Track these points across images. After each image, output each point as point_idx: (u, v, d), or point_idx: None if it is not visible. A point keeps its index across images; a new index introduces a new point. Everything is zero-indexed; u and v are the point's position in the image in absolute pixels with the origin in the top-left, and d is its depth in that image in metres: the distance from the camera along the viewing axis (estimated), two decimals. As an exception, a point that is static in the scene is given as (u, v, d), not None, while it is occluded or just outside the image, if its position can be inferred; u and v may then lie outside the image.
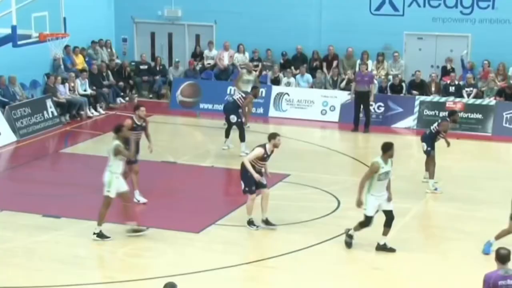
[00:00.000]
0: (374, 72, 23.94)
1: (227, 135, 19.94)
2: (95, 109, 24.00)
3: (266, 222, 14.57)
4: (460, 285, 12.35)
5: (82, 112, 23.42)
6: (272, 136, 14.36)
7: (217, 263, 13.14)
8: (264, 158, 14.25)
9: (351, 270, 13.14)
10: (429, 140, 16.91)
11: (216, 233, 14.59)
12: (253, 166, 14.13)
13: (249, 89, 20.75)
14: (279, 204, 16.27)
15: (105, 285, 12.29)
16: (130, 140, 15.20)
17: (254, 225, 14.51)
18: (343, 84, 23.98)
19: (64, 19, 18.56)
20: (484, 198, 16.40)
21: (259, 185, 14.33)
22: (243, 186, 14.32)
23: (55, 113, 22.55)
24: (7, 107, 21.40)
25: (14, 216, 15.40)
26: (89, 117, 23.48)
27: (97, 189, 16.81)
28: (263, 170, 14.41)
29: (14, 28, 17.31)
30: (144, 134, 16.24)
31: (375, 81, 22.93)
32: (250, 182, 14.20)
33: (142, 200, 16.02)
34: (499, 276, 9.03)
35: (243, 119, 19.53)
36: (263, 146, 14.27)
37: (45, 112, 22.25)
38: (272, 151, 14.36)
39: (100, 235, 14.02)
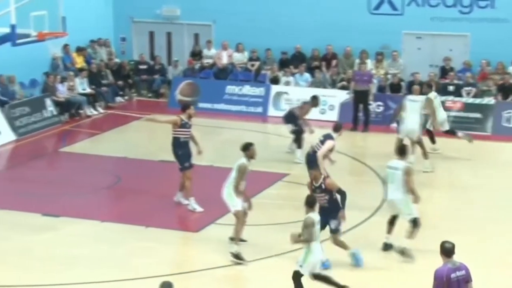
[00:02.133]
0: (373, 71, 23.94)
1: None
2: (94, 108, 24.00)
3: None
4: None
5: (81, 111, 23.42)
6: (340, 127, 15.95)
7: (215, 262, 13.15)
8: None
9: (348, 269, 13.13)
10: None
11: (215, 232, 14.59)
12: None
13: None
14: (277, 203, 16.31)
15: (102, 284, 12.30)
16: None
17: None
18: (341, 84, 24.00)
19: (63, 18, 18.57)
20: (479, 197, 16.44)
21: None
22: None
23: (54, 112, 22.55)
24: (6, 106, 21.41)
25: (12, 215, 15.41)
26: (88, 116, 23.48)
27: (95, 188, 16.92)
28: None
29: (13, 27, 17.33)
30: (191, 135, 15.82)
31: (374, 80, 22.93)
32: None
33: (199, 209, 15.57)
34: (450, 269, 9.19)
35: (305, 128, 19.16)
36: (330, 137, 15.65)
37: (44, 111, 22.26)
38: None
39: (237, 257, 13.12)
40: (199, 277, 12.62)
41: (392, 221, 13.51)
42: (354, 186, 16.85)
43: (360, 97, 22.02)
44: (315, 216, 11.31)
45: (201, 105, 24.18)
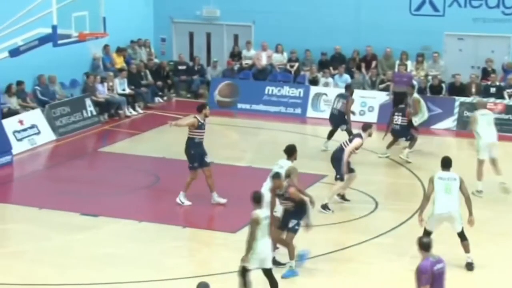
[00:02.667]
0: (414, 72, 23.73)
1: (329, 137, 19.77)
2: (133, 109, 24.11)
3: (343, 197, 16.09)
4: None
5: (120, 112, 23.54)
6: (369, 126, 15.95)
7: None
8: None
9: (388, 271, 13.01)
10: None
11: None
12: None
13: None
14: (316, 205, 16.21)
15: (139, 284, 12.32)
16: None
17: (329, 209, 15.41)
18: (381, 85, 23.83)
19: (104, 18, 18.63)
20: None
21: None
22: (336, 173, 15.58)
23: (94, 112, 22.70)
24: (47, 106, 21.59)
25: (52, 214, 15.53)
26: (127, 117, 23.59)
27: (134, 188, 16.99)
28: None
29: (54, 27, 17.42)
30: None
31: (414, 82, 22.72)
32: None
33: (222, 201, 15.89)
34: (432, 263, 9.43)
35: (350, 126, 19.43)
36: (359, 135, 15.66)
37: (84, 111, 22.41)
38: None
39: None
40: (236, 279, 12.58)
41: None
42: (390, 187, 16.75)
43: (400, 99, 21.80)
44: (261, 212, 11.24)
45: (240, 106, 24.21)
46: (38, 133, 20.67)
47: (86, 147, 21.27)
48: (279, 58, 25.75)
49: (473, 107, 22.34)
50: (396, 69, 23.59)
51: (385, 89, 23.52)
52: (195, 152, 15.69)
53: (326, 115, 23.17)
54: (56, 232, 14.53)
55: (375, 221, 15.23)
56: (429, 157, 19.17)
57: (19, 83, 21.47)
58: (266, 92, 24.48)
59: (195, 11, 26.93)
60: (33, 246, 13.88)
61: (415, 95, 20.04)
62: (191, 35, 27.60)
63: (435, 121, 22.69)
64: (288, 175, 12.72)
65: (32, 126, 20.68)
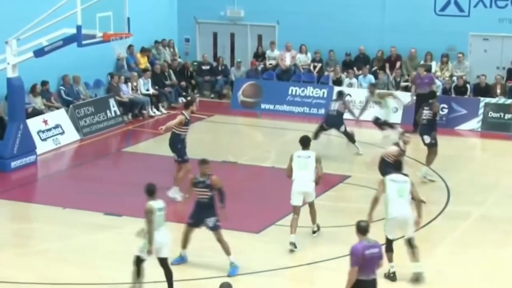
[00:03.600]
0: (438, 73, 23.57)
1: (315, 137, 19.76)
2: (157, 109, 24.16)
3: None
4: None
5: (144, 112, 23.60)
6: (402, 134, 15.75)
7: (276, 264, 13.09)
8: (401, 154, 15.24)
9: (409, 274, 12.93)
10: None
11: (275, 233, 14.54)
12: None
13: None
14: (339, 206, 16.18)
15: (162, 284, 12.33)
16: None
17: None
18: (403, 83, 23.75)
19: (128, 19, 18.68)
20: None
21: None
22: None
23: (118, 112, 22.77)
24: (71, 106, 21.70)
25: (76, 213, 15.60)
26: (151, 117, 23.65)
27: (157, 188, 16.95)
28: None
29: (79, 28, 17.50)
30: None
31: (437, 82, 22.56)
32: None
33: (178, 198, 16.16)
34: (365, 246, 9.97)
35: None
36: (397, 144, 15.40)
37: (108, 111, 22.49)
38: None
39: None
40: (260, 278, 12.56)
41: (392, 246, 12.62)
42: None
43: (422, 100, 21.64)
44: (156, 203, 11.69)
45: (263, 106, 24.19)
46: (62, 133, 20.78)
47: (109, 147, 21.34)
48: (303, 59, 25.70)
49: (498, 108, 22.18)
50: (417, 71, 23.45)
51: (406, 89, 23.42)
52: (182, 146, 16.24)
53: (349, 115, 23.14)
54: (79, 231, 14.59)
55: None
56: (452, 158, 19.06)
57: (44, 83, 21.59)
58: (289, 92, 24.44)
59: (219, 12, 26.94)
60: (57, 245, 13.95)
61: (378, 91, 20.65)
62: (215, 36, 27.62)
63: (459, 122, 22.54)
64: (319, 160, 13.96)
65: (57, 126, 20.79)
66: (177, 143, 16.25)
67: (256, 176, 18.30)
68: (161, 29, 26.58)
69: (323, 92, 24.21)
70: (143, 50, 25.55)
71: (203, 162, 12.96)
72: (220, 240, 12.82)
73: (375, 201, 12.54)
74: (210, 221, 12.81)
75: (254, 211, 15.77)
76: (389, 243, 12.39)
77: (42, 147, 19.78)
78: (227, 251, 12.78)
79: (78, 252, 13.63)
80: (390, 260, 12.42)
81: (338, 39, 25.28)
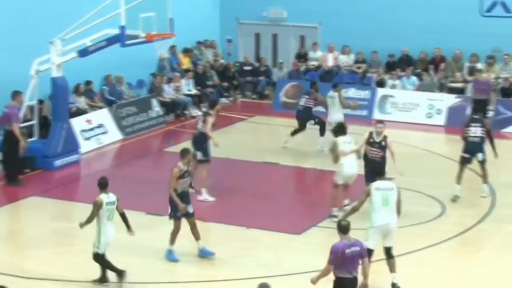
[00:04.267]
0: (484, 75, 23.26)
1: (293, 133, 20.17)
2: (199, 109, 24.19)
3: None
4: None
5: (186, 112, 23.66)
6: None
7: (316, 265, 12.98)
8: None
9: (452, 277, 12.77)
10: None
11: (316, 235, 14.46)
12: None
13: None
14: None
15: (202, 284, 12.34)
16: None
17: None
18: (452, 84, 23.46)
19: (171, 19, 18.74)
20: None
21: None
22: None
23: (160, 112, 22.86)
24: (114, 105, 21.84)
25: (117, 213, 15.62)
26: (193, 117, 23.66)
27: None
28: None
29: (122, 28, 17.60)
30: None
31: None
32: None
33: (210, 199, 16.27)
34: (345, 245, 10.15)
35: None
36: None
37: (150, 111, 22.59)
38: None
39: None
40: (299, 280, 12.49)
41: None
42: (462, 192, 16.41)
43: (480, 106, 21.19)
44: (105, 197, 12.03)
45: (305, 107, 24.04)
46: (105, 132, 20.91)
47: (151, 147, 21.42)
48: (346, 60, 25.56)
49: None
50: (465, 71, 23.16)
51: (455, 89, 23.13)
52: (207, 145, 16.33)
53: (393, 117, 23.00)
54: (121, 230, 14.60)
55: (441, 226, 14.96)
56: (498, 161, 18.78)
57: (87, 83, 21.77)
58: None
59: (261, 12, 26.92)
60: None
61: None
62: (257, 36, 27.60)
63: (506, 124, 22.22)
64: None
65: (100, 126, 20.93)
66: (204, 143, 16.37)
67: (297, 177, 18.22)
68: (203, 29, 26.64)
69: (366, 94, 24.04)
70: (186, 51, 25.63)
71: (186, 151, 13.51)
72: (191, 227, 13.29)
73: (354, 210, 12.40)
74: (190, 207, 13.27)
75: (295, 212, 15.70)
76: (368, 253, 11.90)
77: (85, 146, 19.93)
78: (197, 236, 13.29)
79: (121, 251, 13.63)
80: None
81: (381, 40, 25.10)
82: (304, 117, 20.04)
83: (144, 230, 14.55)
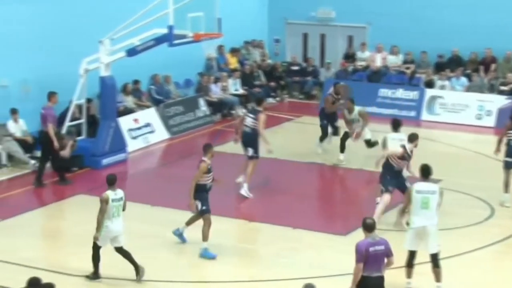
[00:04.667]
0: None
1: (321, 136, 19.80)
2: (246, 109, 24.17)
3: None
4: None
5: (233, 112, 23.68)
6: (415, 137, 14.67)
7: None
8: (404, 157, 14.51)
9: (501, 279, 12.56)
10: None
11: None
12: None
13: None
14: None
15: (247, 284, 12.31)
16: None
17: None
18: (503, 87, 23.10)
19: (219, 19, 18.76)
20: None
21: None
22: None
23: (207, 112, 22.91)
24: (161, 105, 21.94)
25: (164, 211, 15.73)
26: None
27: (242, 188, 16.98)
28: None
29: (170, 28, 17.68)
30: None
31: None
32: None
33: (250, 195, 16.40)
34: (369, 243, 10.12)
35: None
36: (403, 146, 14.64)
37: (197, 111, 22.66)
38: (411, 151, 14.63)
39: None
40: (345, 281, 12.40)
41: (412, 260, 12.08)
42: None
43: None
44: (112, 194, 12.17)
45: (353, 107, 23.88)
46: (152, 131, 21.02)
47: (198, 147, 21.32)
48: (394, 60, 25.35)
49: None
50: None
51: (503, 93, 22.81)
52: (258, 143, 16.50)
53: (442, 118, 22.74)
54: (168, 229, 14.67)
55: (490, 228, 14.74)
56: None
57: (135, 82, 21.91)
58: (379, 94, 24.15)
59: (309, 12, 26.84)
60: (146, 242, 14.04)
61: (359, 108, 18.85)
62: (304, 36, 27.52)
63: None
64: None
65: (147, 125, 21.05)
66: (255, 139, 16.44)
67: (344, 178, 18.10)
68: (251, 29, 26.65)
69: (414, 94, 23.81)
70: (233, 51, 25.65)
71: (209, 146, 13.70)
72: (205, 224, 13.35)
73: (402, 211, 12.67)
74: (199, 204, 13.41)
75: (341, 213, 15.60)
76: (409, 256, 11.91)
77: (132, 145, 20.06)
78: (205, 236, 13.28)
79: (168, 250, 13.70)
80: (407, 275, 12.06)
81: (430, 40, 24.86)
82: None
83: (190, 229, 14.59)
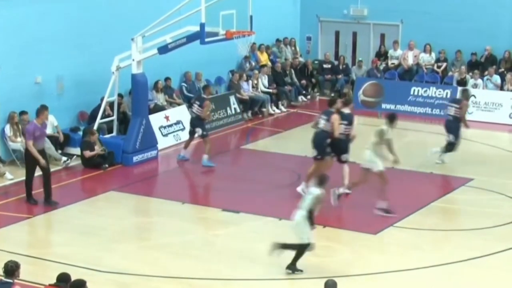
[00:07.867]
0: None
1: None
2: (277, 107, 24.17)
3: None
4: None
5: (264, 109, 23.65)
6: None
7: (393, 265, 12.83)
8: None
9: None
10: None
11: (393, 235, 14.27)
12: None
13: None
14: (461, 209, 15.76)
15: (278, 282, 12.29)
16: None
17: None
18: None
19: (251, 17, 18.75)
20: None
21: None
22: None
23: (238, 110, 22.91)
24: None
25: (194, 209, 15.76)
26: (271, 115, 23.66)
27: (275, 186, 16.98)
28: None
29: (202, 25, 17.69)
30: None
31: None
32: None
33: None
34: None
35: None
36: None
37: (228, 108, 22.66)
38: None
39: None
40: (373, 280, 12.36)
41: None
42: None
43: None
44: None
45: (384, 106, 23.77)
46: (183, 129, 21.04)
47: (229, 144, 21.47)
48: (427, 58, 25.17)
49: None
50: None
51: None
52: (326, 145, 16.41)
53: (474, 117, 22.51)
54: (198, 226, 14.73)
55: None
56: None
57: (167, 79, 21.96)
58: (411, 92, 23.98)
59: (342, 10, 26.73)
60: (176, 239, 14.06)
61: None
62: (337, 34, 27.41)
63: None
64: None
65: (178, 122, 21.08)
66: (324, 140, 16.34)
67: (375, 177, 17.94)
68: (283, 27, 26.59)
69: (447, 93, 23.62)
70: (265, 48, 25.61)
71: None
72: None
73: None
74: None
75: (372, 212, 15.50)
76: None
77: (163, 142, 20.11)
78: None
79: (198, 248, 13.71)
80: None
81: (463, 38, 24.64)
82: (452, 127, 18.70)
83: (220, 226, 14.63)
